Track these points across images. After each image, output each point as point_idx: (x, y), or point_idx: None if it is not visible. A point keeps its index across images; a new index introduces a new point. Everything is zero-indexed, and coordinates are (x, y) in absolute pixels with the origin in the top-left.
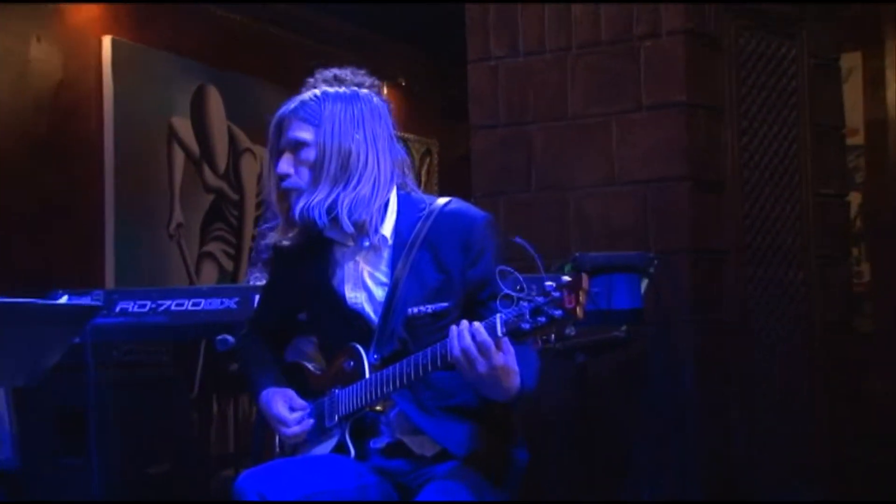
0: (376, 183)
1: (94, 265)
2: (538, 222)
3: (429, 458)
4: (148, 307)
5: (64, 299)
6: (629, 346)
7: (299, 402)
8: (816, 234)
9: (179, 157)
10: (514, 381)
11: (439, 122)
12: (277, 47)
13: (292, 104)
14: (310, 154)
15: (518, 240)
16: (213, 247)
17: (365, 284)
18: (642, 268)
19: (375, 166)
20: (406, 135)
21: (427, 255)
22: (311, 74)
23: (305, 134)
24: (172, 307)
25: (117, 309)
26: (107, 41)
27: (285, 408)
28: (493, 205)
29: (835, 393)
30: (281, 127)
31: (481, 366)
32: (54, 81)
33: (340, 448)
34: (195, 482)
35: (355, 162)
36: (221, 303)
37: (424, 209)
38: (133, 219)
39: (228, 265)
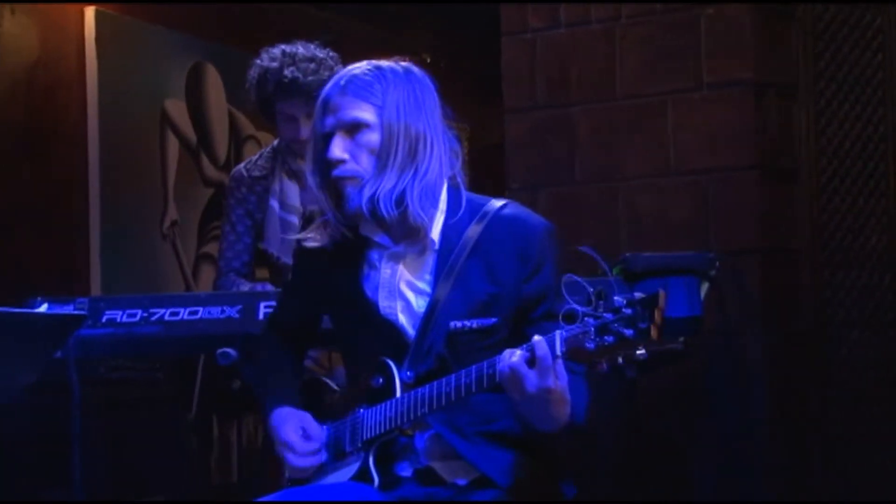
0: (440, 173)
1: (78, 269)
2: (583, 219)
3: (463, 487)
4: (139, 316)
5: (43, 308)
6: (687, 361)
7: (315, 428)
8: None
9: (174, 145)
10: (565, 410)
11: (469, 105)
12: (284, 19)
13: (342, 80)
14: (371, 137)
15: (585, 248)
16: (212, 247)
17: (402, 293)
18: (702, 270)
19: (440, 153)
20: None
21: (477, 263)
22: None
23: (366, 114)
24: (167, 316)
25: (104, 319)
26: (89, 13)
27: (297, 434)
28: (530, 199)
29: None
30: (329, 106)
31: (531, 383)
32: (30, 60)
33: (363, 474)
34: None
35: (423, 147)
36: (222, 311)
37: (477, 210)
38: (122, 217)
39: None
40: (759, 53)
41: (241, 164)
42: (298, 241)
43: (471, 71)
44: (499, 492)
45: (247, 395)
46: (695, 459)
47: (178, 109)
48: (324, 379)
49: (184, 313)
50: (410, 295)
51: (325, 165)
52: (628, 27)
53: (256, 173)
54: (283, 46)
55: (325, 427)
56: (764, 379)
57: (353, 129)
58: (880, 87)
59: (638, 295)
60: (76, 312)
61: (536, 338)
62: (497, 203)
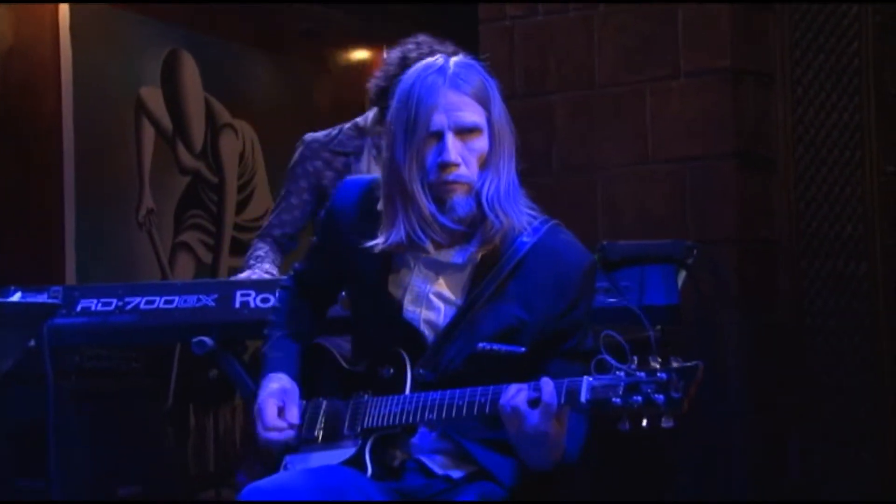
0: (517, 178)
1: (53, 258)
2: (561, 209)
3: (458, 480)
4: (114, 305)
5: (17, 297)
6: (664, 350)
7: (292, 407)
8: (881, 221)
9: (149, 133)
10: (557, 454)
11: None
12: (260, 8)
13: (456, 76)
14: (482, 143)
15: (609, 332)
16: (188, 236)
17: (431, 301)
18: (679, 258)
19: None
20: None
21: (513, 286)
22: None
23: (480, 119)
24: (142, 305)
25: (79, 308)
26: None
27: (273, 408)
28: None
29: None
30: (444, 103)
31: (529, 424)
32: (4, 48)
33: (357, 461)
34: None
35: (512, 152)
36: (199, 300)
37: (523, 225)
38: (97, 205)
39: (206, 257)
40: (736, 42)
41: (320, 133)
42: (329, 209)
43: None
44: (496, 487)
45: (223, 384)
46: (671, 450)
47: (153, 97)
48: (333, 351)
49: (159, 302)
50: (440, 304)
51: (429, 165)
52: (606, 15)
53: (339, 148)
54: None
55: (314, 404)
56: (741, 368)
57: (468, 133)
58: (857, 76)
59: (676, 363)
60: (50, 301)
61: (545, 380)
62: (544, 223)
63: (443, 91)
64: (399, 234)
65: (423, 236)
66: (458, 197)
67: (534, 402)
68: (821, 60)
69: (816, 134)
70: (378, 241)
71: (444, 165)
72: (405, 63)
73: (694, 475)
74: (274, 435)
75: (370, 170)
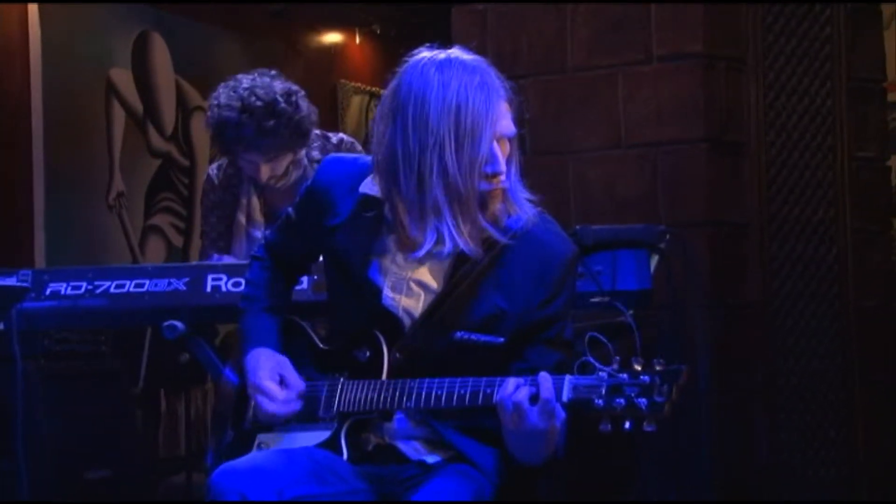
0: None
1: (21, 241)
2: (533, 191)
3: (432, 465)
4: (83, 289)
5: None
6: (636, 334)
7: (293, 376)
8: (852, 205)
9: (119, 115)
10: (552, 449)
11: None
12: None
13: (491, 86)
14: (510, 144)
15: (594, 334)
16: (159, 219)
17: (410, 288)
18: (651, 243)
19: None
20: (380, 90)
21: (493, 275)
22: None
23: (512, 123)
24: (112, 289)
25: (48, 291)
26: None
27: (274, 380)
28: None
29: (873, 388)
30: (494, 115)
31: (530, 422)
32: None
33: (332, 444)
34: (140, 489)
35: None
36: (169, 284)
37: (504, 219)
38: (66, 188)
39: (178, 240)
40: (708, 26)
41: (213, 168)
42: (312, 187)
43: (421, 42)
44: (474, 469)
45: (194, 368)
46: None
47: (123, 79)
48: (307, 329)
49: (129, 286)
50: (419, 291)
51: (491, 178)
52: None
53: (233, 178)
54: (239, 88)
55: (303, 382)
56: (710, 351)
57: (507, 139)
58: (829, 61)
59: (659, 366)
60: (18, 285)
61: (543, 375)
62: (526, 213)
63: (495, 101)
64: (448, 245)
65: (466, 244)
66: (500, 203)
67: (534, 399)
68: (793, 45)
69: (788, 119)
70: (421, 251)
71: (496, 175)
72: (218, 118)
73: (661, 454)
74: (282, 407)
75: (250, 201)
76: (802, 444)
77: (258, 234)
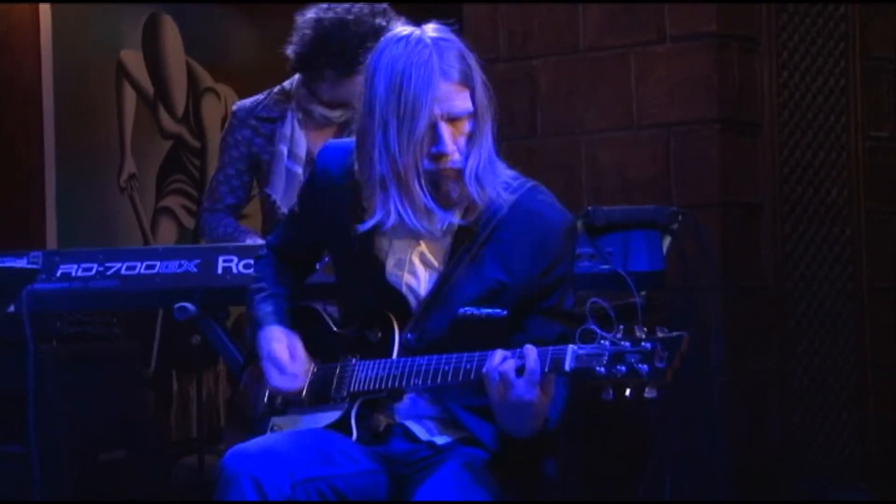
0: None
1: (33, 223)
2: (544, 172)
3: (441, 447)
4: (94, 271)
5: None
6: (648, 316)
7: (303, 353)
8: (866, 185)
9: (130, 97)
10: (539, 423)
11: None
12: None
13: (443, 64)
14: (467, 125)
15: (596, 300)
16: (171, 201)
17: (412, 265)
18: (663, 224)
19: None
20: None
21: (492, 249)
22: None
23: (468, 103)
24: (123, 271)
25: (59, 273)
26: None
27: (286, 353)
28: None
29: (887, 369)
30: (435, 95)
31: (515, 393)
32: None
33: (342, 425)
34: (152, 471)
35: (491, 122)
36: (180, 265)
37: (498, 193)
38: (77, 170)
39: (189, 222)
40: (721, 6)
41: (247, 101)
42: (313, 173)
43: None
44: (481, 452)
45: (206, 350)
46: (653, 415)
47: (134, 60)
48: (320, 312)
49: (140, 267)
50: (421, 269)
51: (437, 159)
52: None
53: (264, 114)
54: (339, 6)
55: (315, 363)
56: (723, 334)
57: (458, 120)
58: (842, 41)
59: (662, 333)
60: (29, 266)
61: (529, 347)
62: (522, 185)
63: (436, 82)
64: (393, 218)
65: (416, 221)
66: (451, 183)
67: (520, 370)
68: (806, 25)
69: (801, 99)
70: (370, 222)
71: (441, 155)
72: (320, 26)
73: (674, 439)
74: (288, 382)
75: (293, 134)
76: (815, 426)
77: (299, 170)
